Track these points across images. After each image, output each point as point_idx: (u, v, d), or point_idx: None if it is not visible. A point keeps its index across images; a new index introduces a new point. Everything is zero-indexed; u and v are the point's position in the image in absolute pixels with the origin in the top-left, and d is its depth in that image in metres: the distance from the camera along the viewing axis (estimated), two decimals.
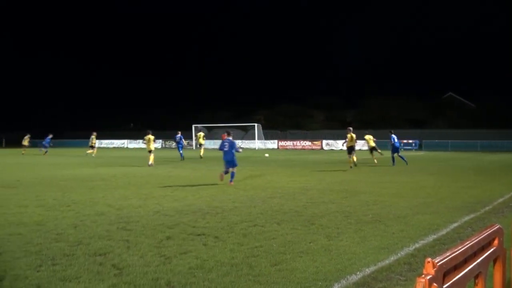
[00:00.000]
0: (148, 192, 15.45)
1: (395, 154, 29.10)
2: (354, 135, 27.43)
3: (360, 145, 55.01)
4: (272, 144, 64.91)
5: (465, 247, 3.26)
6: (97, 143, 73.19)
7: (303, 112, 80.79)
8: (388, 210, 11.75)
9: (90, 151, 42.13)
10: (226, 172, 18.48)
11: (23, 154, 46.94)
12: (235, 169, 18.80)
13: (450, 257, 3.01)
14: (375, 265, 6.98)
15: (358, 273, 6.60)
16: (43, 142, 49.29)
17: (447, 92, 76.66)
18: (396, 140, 29.30)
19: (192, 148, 63.64)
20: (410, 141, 58.52)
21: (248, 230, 9.35)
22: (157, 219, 10.55)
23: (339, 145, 56.29)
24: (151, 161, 28.43)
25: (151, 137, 29.25)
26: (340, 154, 32.03)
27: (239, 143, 55.24)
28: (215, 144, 61.62)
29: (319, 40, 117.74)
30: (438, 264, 2.81)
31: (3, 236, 8.79)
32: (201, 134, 42.93)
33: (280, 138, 67.74)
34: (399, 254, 7.55)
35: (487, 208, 12.23)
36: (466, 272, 3.22)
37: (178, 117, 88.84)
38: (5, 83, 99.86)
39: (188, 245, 8.09)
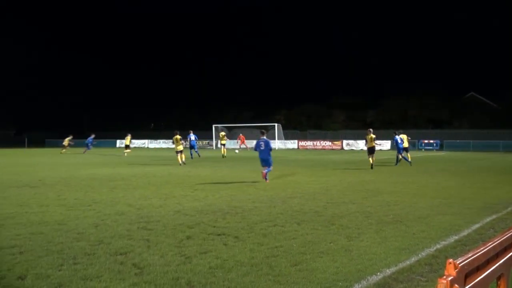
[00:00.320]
0: (168, 192, 15.51)
1: (400, 154, 29.20)
2: (374, 136, 27.65)
3: (381, 145, 54.84)
4: (292, 144, 64.82)
5: (487, 248, 3.22)
6: (118, 143, 73.86)
7: (323, 112, 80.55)
8: (409, 211, 11.67)
9: (127, 150, 42.98)
10: (265, 170, 19.06)
11: (61, 153, 48.26)
12: (271, 168, 19.41)
13: (472, 258, 2.98)
14: (396, 265, 6.94)
15: (378, 273, 6.57)
16: (87, 142, 50.34)
17: (468, 91, 75.84)
18: (399, 141, 29.49)
19: (212, 148, 63.79)
20: (431, 141, 58.09)
21: (268, 230, 9.35)
22: (177, 219, 10.59)
23: (360, 145, 56.07)
24: (182, 160, 29.45)
25: (179, 137, 30.02)
26: (361, 154, 31.96)
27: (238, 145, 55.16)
28: (235, 144, 61.75)
29: (340, 40, 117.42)
30: (459, 265, 2.79)
31: (25, 235, 8.88)
32: (223, 134, 43.71)
33: (300, 138, 67.62)
34: (420, 255, 7.50)
35: (509, 209, 12.10)
36: (488, 274, 3.19)
37: (198, 117, 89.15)
38: (27, 83, 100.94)
39: (208, 245, 8.12)
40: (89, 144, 49.74)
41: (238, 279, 6.29)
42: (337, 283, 6.18)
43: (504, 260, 3.47)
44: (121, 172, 23.38)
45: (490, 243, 3.32)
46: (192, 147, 38.12)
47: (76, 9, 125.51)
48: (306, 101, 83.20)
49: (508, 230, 3.75)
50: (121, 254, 7.54)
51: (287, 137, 65.71)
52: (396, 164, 28.54)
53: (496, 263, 3.35)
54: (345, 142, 61.65)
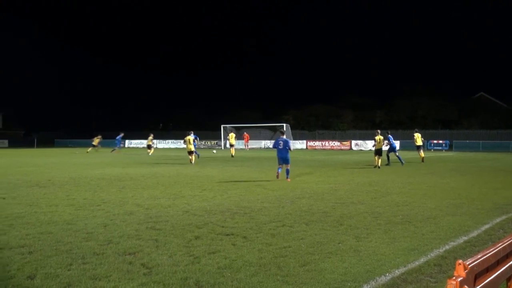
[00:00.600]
0: (177, 192, 15.53)
1: (391, 153, 29.79)
2: (382, 137, 28.26)
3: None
4: (301, 144, 64.82)
5: (497, 249, 3.21)
6: (126, 143, 74.06)
7: (331, 112, 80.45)
8: (418, 211, 11.64)
9: (149, 150, 43.63)
10: (281, 169, 19.84)
11: (96, 151, 49.79)
12: (289, 166, 19.96)
13: (481, 259, 2.98)
14: (404, 266, 6.92)
15: (387, 274, 6.55)
16: (116, 141, 51.10)
17: (478, 91, 75.55)
18: (393, 140, 30.27)
19: (221, 148, 63.84)
20: (440, 141, 57.97)
21: (276, 230, 9.35)
22: (186, 219, 10.61)
23: (368, 145, 56.04)
24: (193, 160, 30.34)
25: (191, 138, 30.52)
26: (370, 155, 31.96)
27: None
28: (243, 144, 61.81)
29: (348, 40, 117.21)
30: (469, 266, 2.78)
31: (34, 234, 8.92)
32: (233, 134, 44.11)
33: (308, 138, 67.65)
34: (429, 256, 7.48)
35: None
36: (498, 275, 3.18)
37: (207, 117, 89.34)
38: (36, 84, 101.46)
39: (216, 245, 8.12)
40: (118, 143, 50.70)
41: (247, 279, 6.29)
42: (345, 283, 6.17)
43: None
44: (130, 172, 23.43)
45: (500, 244, 3.31)
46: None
47: (86, 8, 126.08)
48: (314, 101, 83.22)
49: None
50: (129, 254, 7.56)
51: (295, 137, 65.74)
52: (388, 163, 28.89)
53: (506, 264, 3.34)
54: (353, 142, 61.63)
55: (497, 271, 3.17)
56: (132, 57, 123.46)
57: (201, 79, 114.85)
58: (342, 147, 61.25)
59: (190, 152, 30.49)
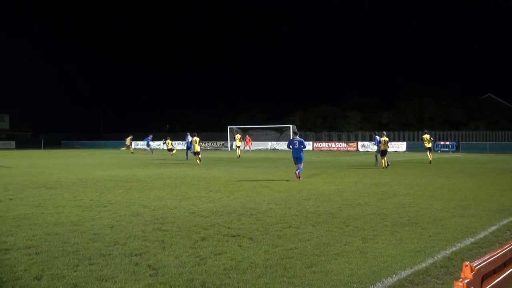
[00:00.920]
0: (183, 193, 15.55)
1: (378, 154, 30.10)
2: (387, 139, 28.72)
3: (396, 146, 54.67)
4: (307, 145, 64.75)
5: (504, 251, 3.20)
6: (133, 144, 74.32)
7: (338, 113, 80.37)
8: (424, 213, 11.60)
9: (172, 152, 44.33)
10: (300, 169, 20.37)
11: (132, 153, 51.41)
12: (302, 165, 20.54)
13: (488, 260, 2.96)
14: (411, 268, 6.90)
15: (394, 276, 6.53)
16: (147, 143, 51.82)
17: (485, 92, 75.26)
18: (379, 141, 30.17)
19: (227, 150, 63.88)
20: (447, 142, 57.79)
21: (282, 231, 9.34)
22: (192, 220, 10.61)
23: (375, 146, 55.96)
24: (198, 160, 31.61)
25: (197, 138, 31.70)
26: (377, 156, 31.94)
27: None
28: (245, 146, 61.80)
29: (355, 41, 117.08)
30: (476, 268, 2.77)
31: (41, 235, 8.94)
32: (238, 136, 44.72)
33: (315, 139, 67.57)
34: (435, 257, 7.45)
35: None
36: (505, 276, 3.16)
37: (213, 118, 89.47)
38: (41, 85, 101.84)
39: (223, 246, 8.12)
40: (149, 144, 51.59)
41: (253, 281, 6.29)
42: (352, 285, 6.16)
43: None
44: (136, 174, 23.47)
45: (507, 246, 3.30)
46: (188, 148, 39.31)
47: (93, 10, 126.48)
48: (321, 102, 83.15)
49: None
50: (136, 255, 7.57)
51: (302, 138, 65.66)
52: (376, 163, 29.52)
53: None
54: (360, 143, 61.55)
55: (504, 273, 3.15)
56: (140, 58, 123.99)
57: (208, 80, 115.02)
58: (349, 148, 61.17)
59: (196, 153, 31.65)
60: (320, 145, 64.35)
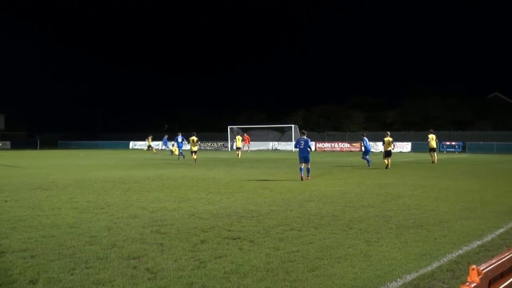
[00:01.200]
0: (182, 195, 15.55)
1: (366, 155, 30.63)
2: (391, 139, 29.18)
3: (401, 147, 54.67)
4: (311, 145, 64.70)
5: None
6: (131, 144, 74.22)
7: (341, 112, 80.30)
8: (430, 215, 11.59)
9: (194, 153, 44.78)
10: (302, 170, 20.90)
11: (155, 153, 51.47)
12: (309, 165, 21.21)
13: (496, 264, 2.95)
14: (416, 272, 6.89)
15: (398, 280, 6.53)
16: (167, 144, 52.29)
17: (492, 91, 75.15)
18: (367, 142, 30.82)
19: (227, 150, 63.90)
20: (453, 143, 57.75)
21: (284, 234, 9.33)
22: (191, 222, 10.61)
23: (379, 147, 55.97)
24: (194, 160, 33.39)
25: (195, 138, 33.73)
26: (380, 157, 31.95)
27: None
28: (250, 145, 61.79)
29: (359, 39, 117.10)
30: (483, 272, 2.76)
31: (37, 238, 8.94)
32: (239, 137, 45.40)
33: (317, 139, 67.53)
34: (441, 261, 7.44)
35: None
36: None
37: (214, 118, 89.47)
38: (37, 84, 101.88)
39: (223, 249, 8.12)
40: (169, 144, 52.12)
41: (254, 285, 6.28)
42: None
43: None
44: (134, 175, 23.48)
45: None
46: (178, 147, 41.86)
47: (89, 9, 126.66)
48: (324, 102, 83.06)
49: None
50: (134, 258, 7.57)
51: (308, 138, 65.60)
52: (369, 165, 29.47)
53: None
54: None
55: None
56: (137, 58, 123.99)
57: (208, 80, 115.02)
58: (352, 149, 61.08)
59: (193, 152, 33.54)
60: (323, 145, 64.29)
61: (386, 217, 11.32)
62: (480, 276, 2.72)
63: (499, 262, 2.99)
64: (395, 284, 6.36)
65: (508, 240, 8.85)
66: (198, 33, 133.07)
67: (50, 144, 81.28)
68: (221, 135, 71.77)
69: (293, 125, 63.48)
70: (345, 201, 13.97)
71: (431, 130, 35.72)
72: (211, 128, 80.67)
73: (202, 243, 8.59)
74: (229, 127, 65.82)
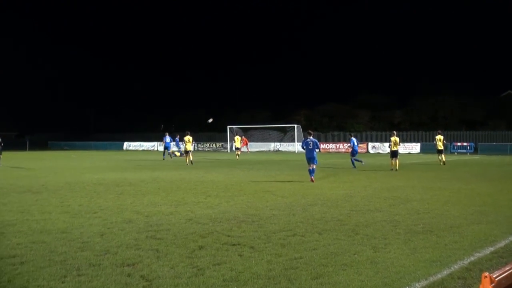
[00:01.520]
0: (179, 198, 15.55)
1: (353, 156, 31.61)
2: (397, 139, 29.52)
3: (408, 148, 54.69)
4: None
5: None
6: (125, 145, 74.18)
7: (347, 112, 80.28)
8: (440, 219, 11.58)
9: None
10: (311, 171, 21.43)
11: (178, 156, 50.99)
12: (315, 166, 21.67)
13: (510, 271, 2.95)
14: (426, 279, 6.89)
15: None
16: (177, 144, 52.30)
17: (505, 90, 75.14)
18: (355, 143, 31.90)
19: (227, 151, 63.90)
20: (465, 143, 57.75)
21: (287, 240, 9.33)
22: (189, 227, 10.60)
23: (386, 148, 55.95)
24: (189, 160, 34.13)
25: (190, 138, 34.49)
26: (388, 158, 31.97)
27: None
28: (250, 146, 61.81)
29: (364, 35, 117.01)
30: (496, 279, 2.76)
31: (26, 244, 8.94)
32: (238, 138, 45.81)
33: (321, 140, 67.53)
34: (452, 268, 7.43)
35: None
36: None
37: (213, 117, 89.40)
38: (29, 83, 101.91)
39: (222, 256, 8.11)
40: (178, 146, 52.12)
41: None
42: None
43: None
44: (128, 177, 23.49)
45: None
46: (166, 148, 43.42)
47: (82, 7, 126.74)
48: (328, 100, 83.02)
49: None
50: (128, 265, 7.56)
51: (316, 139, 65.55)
52: (354, 167, 30.41)
53: None
54: (370, 144, 61.50)
55: None
56: (131, 57, 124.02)
57: (207, 78, 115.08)
58: (359, 150, 61.11)
59: (187, 152, 34.39)
60: (327, 146, 64.32)
61: (394, 222, 11.31)
62: (493, 284, 2.72)
63: None
64: None
65: None
66: (197, 32, 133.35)
67: (40, 145, 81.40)
68: (220, 136, 71.80)
69: (296, 125, 63.50)
70: (350, 205, 13.97)
71: (439, 131, 35.87)
72: (210, 128, 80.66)
73: (200, 249, 8.59)
74: (228, 127, 65.84)
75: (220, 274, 7.06)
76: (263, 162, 38.34)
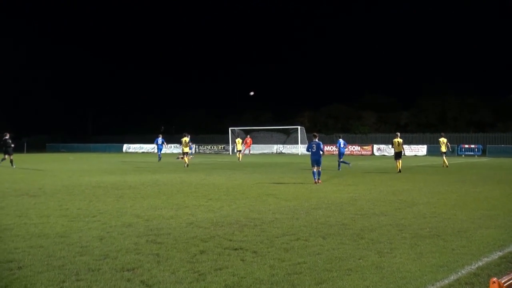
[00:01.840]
0: (180, 202, 15.55)
1: (340, 158, 31.73)
2: (401, 140, 29.73)
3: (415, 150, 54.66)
4: None
5: None
6: (125, 147, 74.11)
7: (351, 113, 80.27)
8: (447, 224, 11.58)
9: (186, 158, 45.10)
10: (315, 174, 22.01)
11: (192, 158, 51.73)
12: (320, 168, 22.22)
13: None
14: (432, 285, 6.89)
15: None
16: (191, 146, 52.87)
17: None
18: (342, 145, 32.07)
19: (228, 153, 63.89)
20: (472, 146, 57.63)
21: (290, 244, 9.33)
22: (190, 232, 10.61)
23: (392, 150, 55.87)
24: (186, 162, 34.78)
25: (187, 139, 34.85)
26: (393, 161, 31.89)
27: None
28: (253, 148, 61.77)
29: (369, 35, 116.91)
30: (505, 285, 2.77)
31: (23, 248, 8.95)
32: (239, 140, 46.50)
33: (325, 142, 67.46)
34: (459, 273, 7.43)
35: None
36: None
37: (214, 119, 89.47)
38: (27, 84, 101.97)
39: (224, 261, 8.12)
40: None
41: None
42: None
43: None
44: (128, 180, 23.50)
45: None
46: (159, 149, 44.84)
47: (81, 7, 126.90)
48: (332, 101, 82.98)
49: None
50: (128, 270, 7.57)
51: (311, 141, 65.51)
52: (339, 169, 30.94)
53: None
54: (376, 146, 61.39)
55: None
56: (130, 57, 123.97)
57: (208, 79, 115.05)
58: (363, 152, 61.05)
59: (185, 154, 35.05)
60: (332, 148, 64.28)
61: (399, 226, 11.31)
62: None
63: None
64: None
65: None
66: (198, 32, 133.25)
67: (37, 147, 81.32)
68: (221, 138, 71.77)
69: (299, 127, 63.45)
70: (355, 209, 13.97)
71: (442, 134, 36.38)
72: (211, 130, 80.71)
73: (201, 253, 8.59)
74: (230, 128, 65.80)
75: (222, 280, 7.07)
76: (266, 164, 38.33)
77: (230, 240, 9.69)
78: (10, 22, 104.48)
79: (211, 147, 70.54)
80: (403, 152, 29.72)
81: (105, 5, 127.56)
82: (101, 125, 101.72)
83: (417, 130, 70.23)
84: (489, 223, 11.71)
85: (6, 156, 34.06)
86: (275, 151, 66.94)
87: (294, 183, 21.94)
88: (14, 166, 33.09)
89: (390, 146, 30.75)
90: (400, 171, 28.05)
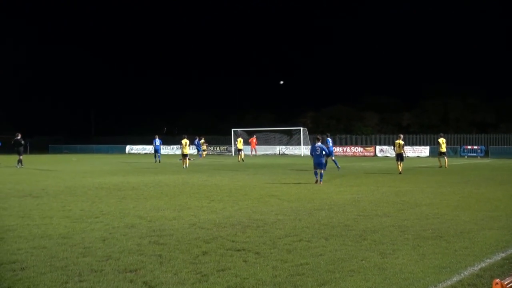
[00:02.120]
0: (183, 203, 15.56)
1: (328, 158, 30.88)
2: (402, 142, 29.70)
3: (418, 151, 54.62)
4: None
5: None
6: (128, 148, 74.14)
7: (354, 114, 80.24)
8: (450, 225, 11.57)
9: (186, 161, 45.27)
10: (317, 174, 22.33)
11: (204, 157, 53.42)
12: (323, 171, 22.53)
13: None
14: (435, 286, 6.89)
15: None
16: (200, 147, 52.93)
17: None
18: (331, 144, 32.23)
19: (231, 154, 63.87)
20: (475, 147, 57.47)
21: (292, 245, 9.33)
22: (192, 233, 10.62)
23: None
24: (185, 164, 34.69)
25: (187, 141, 35.01)
26: (393, 162, 31.86)
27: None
28: (250, 149, 61.70)
29: (371, 35, 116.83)
30: (507, 286, 2.77)
31: (26, 249, 8.96)
32: (240, 140, 46.81)
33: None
34: (462, 274, 7.43)
35: None
36: None
37: (217, 120, 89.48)
38: (30, 86, 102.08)
39: (226, 262, 8.12)
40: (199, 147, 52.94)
41: None
42: None
43: None
44: (131, 181, 23.51)
45: None
46: (156, 151, 44.98)
47: (83, 8, 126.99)
48: (335, 103, 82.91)
49: None
50: (131, 271, 7.58)
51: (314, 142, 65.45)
52: (338, 168, 31.17)
53: None
54: (378, 148, 61.29)
55: None
56: (133, 58, 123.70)
57: (210, 80, 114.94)
58: (366, 153, 60.95)
59: (185, 155, 34.88)
60: (334, 149, 64.18)
61: (402, 227, 11.30)
62: None
63: None
64: None
65: None
66: (200, 32, 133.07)
67: (40, 148, 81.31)
68: (224, 139, 71.71)
69: (302, 128, 63.39)
70: (358, 210, 13.96)
71: (441, 134, 36.61)
72: (214, 131, 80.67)
73: (204, 255, 8.60)
74: (232, 129, 65.74)
75: (225, 281, 7.07)
76: (268, 166, 38.31)
77: (233, 241, 9.69)
78: (12, 23, 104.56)
79: (213, 148, 70.49)
80: (404, 154, 29.62)
81: (107, 5, 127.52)
82: (104, 126, 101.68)
83: (419, 131, 70.15)
84: (492, 224, 11.70)
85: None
86: (278, 152, 66.88)
87: (297, 184, 21.93)
88: (18, 166, 33.61)
89: (392, 147, 30.80)
90: (400, 173, 27.99)
